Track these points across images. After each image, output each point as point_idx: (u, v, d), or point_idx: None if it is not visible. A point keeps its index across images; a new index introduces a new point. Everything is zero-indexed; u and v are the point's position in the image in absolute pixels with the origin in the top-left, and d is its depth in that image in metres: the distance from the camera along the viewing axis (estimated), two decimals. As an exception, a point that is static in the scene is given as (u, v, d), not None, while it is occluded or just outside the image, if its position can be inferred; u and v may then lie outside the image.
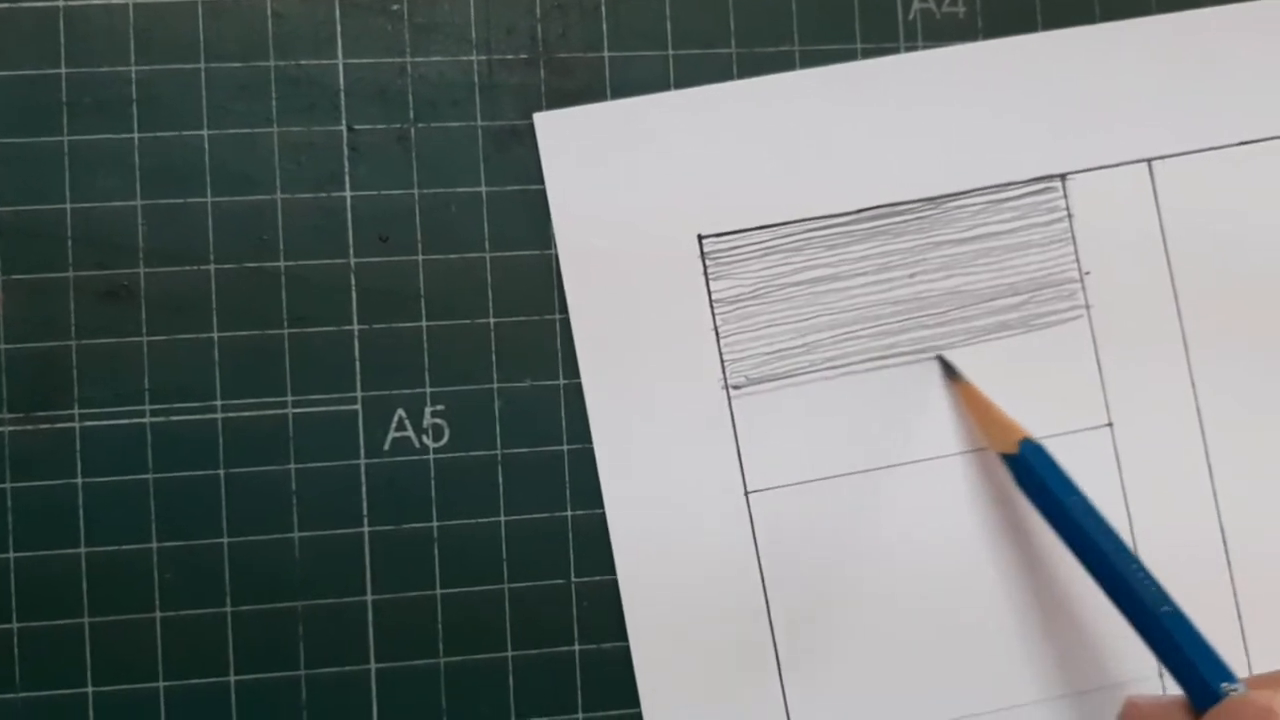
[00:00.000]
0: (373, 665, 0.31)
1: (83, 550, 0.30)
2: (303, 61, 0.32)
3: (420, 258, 0.32)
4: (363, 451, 0.31)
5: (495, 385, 0.32)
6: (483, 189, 0.32)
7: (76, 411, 0.30)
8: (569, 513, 0.31)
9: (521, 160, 0.32)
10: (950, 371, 0.32)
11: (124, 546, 0.30)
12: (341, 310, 0.31)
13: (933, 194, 0.33)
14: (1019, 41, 0.33)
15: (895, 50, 0.33)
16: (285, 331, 0.31)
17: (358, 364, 0.31)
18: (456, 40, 0.32)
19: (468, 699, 0.31)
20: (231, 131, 0.31)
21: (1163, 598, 0.28)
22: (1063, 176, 0.33)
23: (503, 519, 0.31)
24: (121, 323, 0.31)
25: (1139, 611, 0.28)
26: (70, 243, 0.31)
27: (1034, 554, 0.32)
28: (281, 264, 0.31)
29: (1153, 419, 0.33)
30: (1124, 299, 0.33)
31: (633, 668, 0.31)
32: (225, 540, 0.31)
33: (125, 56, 0.31)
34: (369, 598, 0.31)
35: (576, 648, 0.31)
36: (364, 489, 0.31)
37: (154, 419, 0.31)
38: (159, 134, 0.31)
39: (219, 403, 0.31)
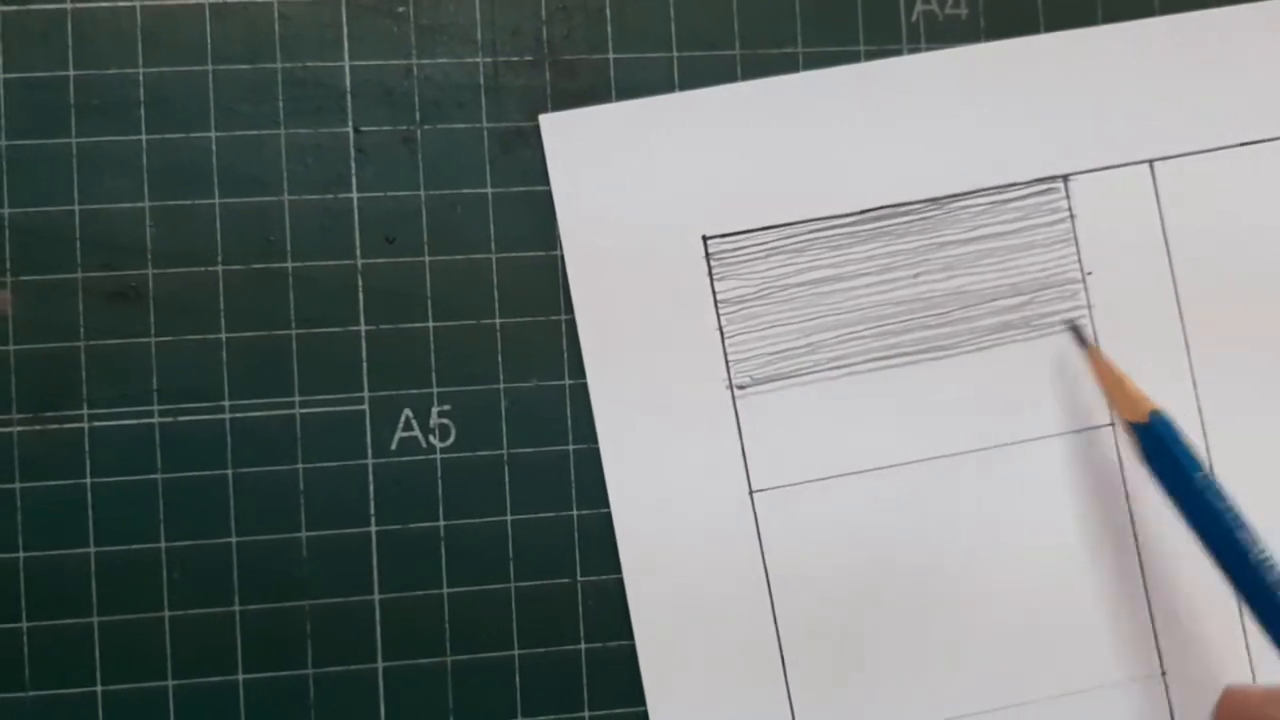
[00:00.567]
0: (380, 664, 0.31)
1: (92, 550, 0.30)
2: (309, 63, 0.32)
3: (426, 259, 0.32)
4: (370, 451, 0.31)
5: (501, 385, 0.32)
6: (488, 190, 0.32)
7: (85, 412, 0.31)
8: (574, 512, 0.32)
9: (527, 161, 0.32)
10: (1081, 339, 0.32)
11: (133, 546, 0.30)
12: (348, 311, 0.31)
13: (936, 195, 0.33)
14: (1021, 43, 0.33)
15: (898, 52, 0.33)
16: (292, 332, 0.31)
17: (364, 364, 0.31)
18: (462, 42, 0.32)
19: (474, 697, 0.31)
20: (239, 133, 0.31)
21: None
22: (1065, 177, 0.33)
23: (509, 518, 0.31)
24: (130, 323, 0.31)
25: (1258, 593, 0.28)
26: (78, 244, 0.31)
27: (1039, 553, 0.32)
28: (289, 265, 0.31)
29: (1154, 418, 0.33)
30: (1126, 299, 0.33)
31: (638, 666, 0.31)
32: (233, 540, 0.31)
33: (133, 59, 0.31)
34: (376, 597, 0.31)
35: (582, 646, 0.31)
36: (371, 489, 0.31)
37: (162, 419, 0.31)
38: (166, 136, 0.31)
39: (227, 403, 0.31)
